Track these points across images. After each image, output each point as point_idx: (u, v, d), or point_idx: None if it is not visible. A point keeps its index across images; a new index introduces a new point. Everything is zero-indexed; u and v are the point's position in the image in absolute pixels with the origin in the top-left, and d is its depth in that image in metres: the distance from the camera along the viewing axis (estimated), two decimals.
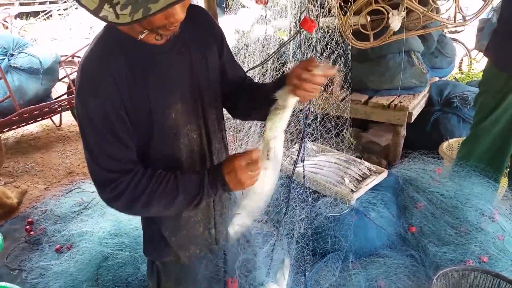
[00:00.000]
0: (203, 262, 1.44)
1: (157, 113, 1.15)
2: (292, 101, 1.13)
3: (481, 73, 6.03)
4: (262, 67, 2.91)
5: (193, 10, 1.26)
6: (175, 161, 1.24)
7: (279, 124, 1.14)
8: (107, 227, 2.70)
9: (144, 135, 1.17)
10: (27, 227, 3.15)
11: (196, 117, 1.25)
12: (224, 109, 1.42)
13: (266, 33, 3.04)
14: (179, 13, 0.99)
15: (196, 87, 1.23)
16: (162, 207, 1.16)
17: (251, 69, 2.36)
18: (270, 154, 1.14)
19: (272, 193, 1.21)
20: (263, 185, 1.17)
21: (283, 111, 1.13)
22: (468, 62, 6.31)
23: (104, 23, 1.11)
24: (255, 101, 1.32)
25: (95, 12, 0.91)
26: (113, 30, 1.12)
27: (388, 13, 2.77)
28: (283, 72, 3.24)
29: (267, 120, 1.15)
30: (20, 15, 12.00)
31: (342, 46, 2.73)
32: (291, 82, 1.11)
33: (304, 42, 2.55)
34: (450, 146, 3.35)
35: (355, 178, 2.72)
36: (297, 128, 2.78)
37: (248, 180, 1.12)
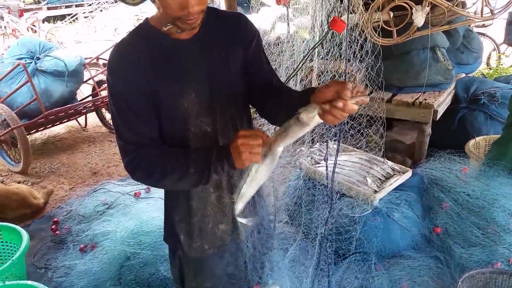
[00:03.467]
0: (222, 260, 1.45)
1: (167, 99, 1.24)
2: (316, 122, 1.07)
3: (511, 69, 5.89)
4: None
5: (227, 13, 1.39)
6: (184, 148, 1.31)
7: (293, 137, 1.09)
8: (129, 226, 2.73)
9: (157, 118, 1.27)
10: (53, 226, 3.21)
11: (212, 112, 1.30)
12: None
13: (288, 32, 3.00)
14: (193, 4, 1.08)
15: (213, 84, 1.28)
16: (177, 179, 1.22)
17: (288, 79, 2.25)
18: (269, 157, 1.11)
19: (262, 183, 1.18)
20: (257, 173, 1.14)
21: (303, 129, 1.07)
22: (497, 57, 6.12)
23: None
24: (280, 108, 1.30)
25: None
26: (147, 23, 1.26)
27: (411, 8, 2.71)
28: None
29: (282, 128, 1.10)
30: (47, 19, 12.31)
31: (361, 43, 2.67)
32: (322, 107, 1.03)
33: (330, 41, 2.51)
34: (477, 144, 3.25)
35: (378, 178, 2.66)
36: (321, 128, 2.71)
37: (247, 159, 1.09)
